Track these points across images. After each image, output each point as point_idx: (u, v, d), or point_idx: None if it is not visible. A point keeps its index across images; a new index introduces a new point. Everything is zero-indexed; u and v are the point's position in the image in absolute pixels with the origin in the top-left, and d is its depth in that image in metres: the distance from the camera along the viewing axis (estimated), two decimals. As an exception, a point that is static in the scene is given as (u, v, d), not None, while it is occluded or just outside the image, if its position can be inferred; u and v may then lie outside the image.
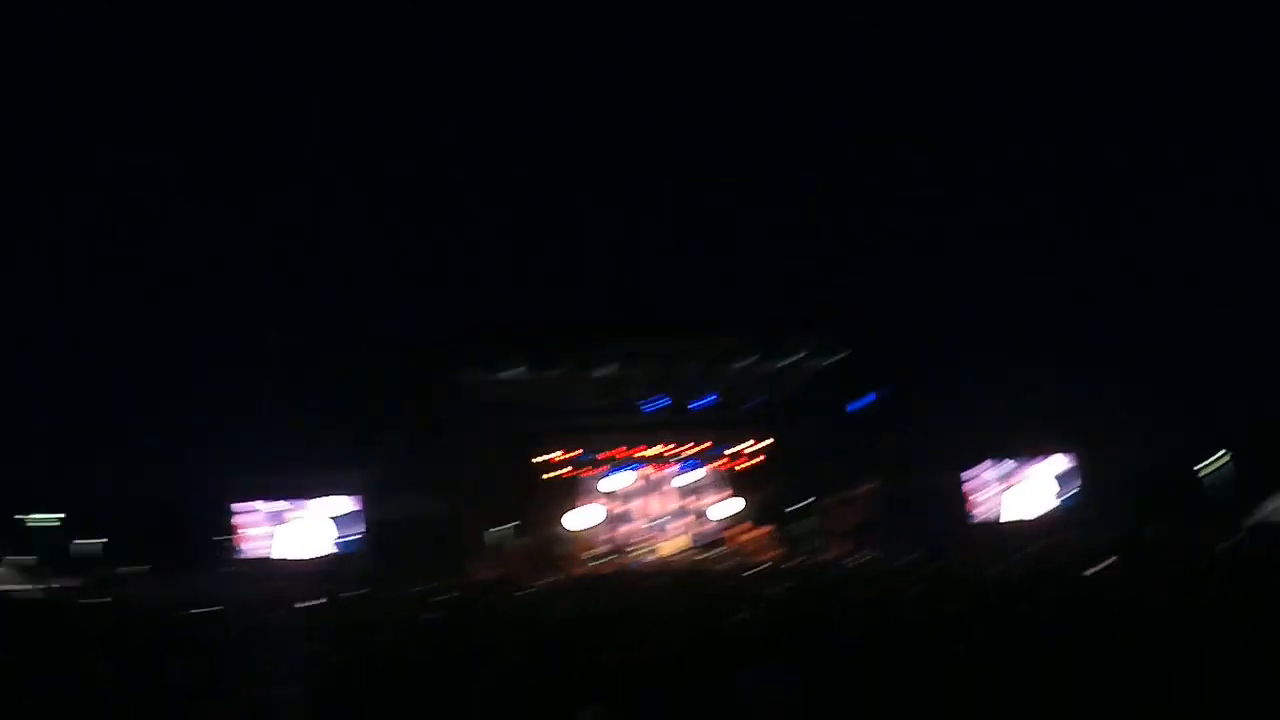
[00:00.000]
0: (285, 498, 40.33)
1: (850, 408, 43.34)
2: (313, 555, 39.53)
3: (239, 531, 40.23)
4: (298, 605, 18.38)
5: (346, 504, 40.01)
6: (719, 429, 49.13)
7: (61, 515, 55.15)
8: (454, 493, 38.60)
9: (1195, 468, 51.78)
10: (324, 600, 19.33)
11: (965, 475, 42.16)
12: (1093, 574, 13.50)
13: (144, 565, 42.79)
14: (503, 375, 41.87)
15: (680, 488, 50.21)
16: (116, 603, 25.62)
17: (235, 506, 40.30)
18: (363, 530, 39.41)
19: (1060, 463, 43.74)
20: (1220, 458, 50.49)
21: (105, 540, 61.26)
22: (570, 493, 48.09)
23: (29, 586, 33.90)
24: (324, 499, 40.24)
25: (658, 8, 77.21)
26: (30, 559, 49.51)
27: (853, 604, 10.59)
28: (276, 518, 40.36)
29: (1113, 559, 16.41)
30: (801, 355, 42.45)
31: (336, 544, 39.89)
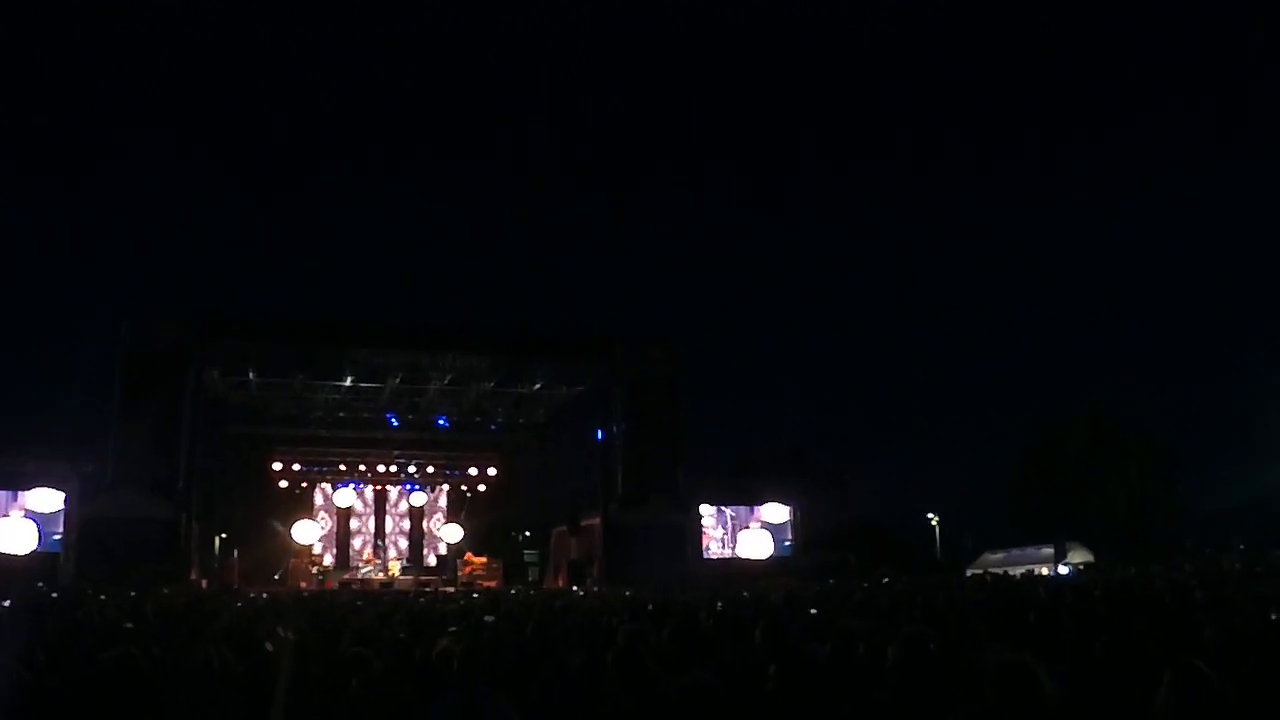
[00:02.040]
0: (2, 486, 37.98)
1: (596, 436, 43.55)
2: (15, 552, 37.38)
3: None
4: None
5: (57, 499, 37.90)
6: (453, 451, 49.00)
7: None
8: (176, 494, 37.19)
9: (929, 517, 54.47)
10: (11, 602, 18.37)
11: (696, 514, 42.81)
12: (803, 616, 13.86)
13: None
14: (244, 377, 40.69)
15: (410, 507, 49.93)
16: None
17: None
18: (70, 529, 37.34)
19: (785, 511, 44.84)
20: (935, 516, 53.21)
21: None
22: (299, 504, 47.26)
23: None
24: (34, 490, 38.07)
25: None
26: None
27: (570, 632, 10.65)
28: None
29: (819, 606, 16.99)
30: (542, 384, 42.51)
31: (43, 542, 37.72)
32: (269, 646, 9.49)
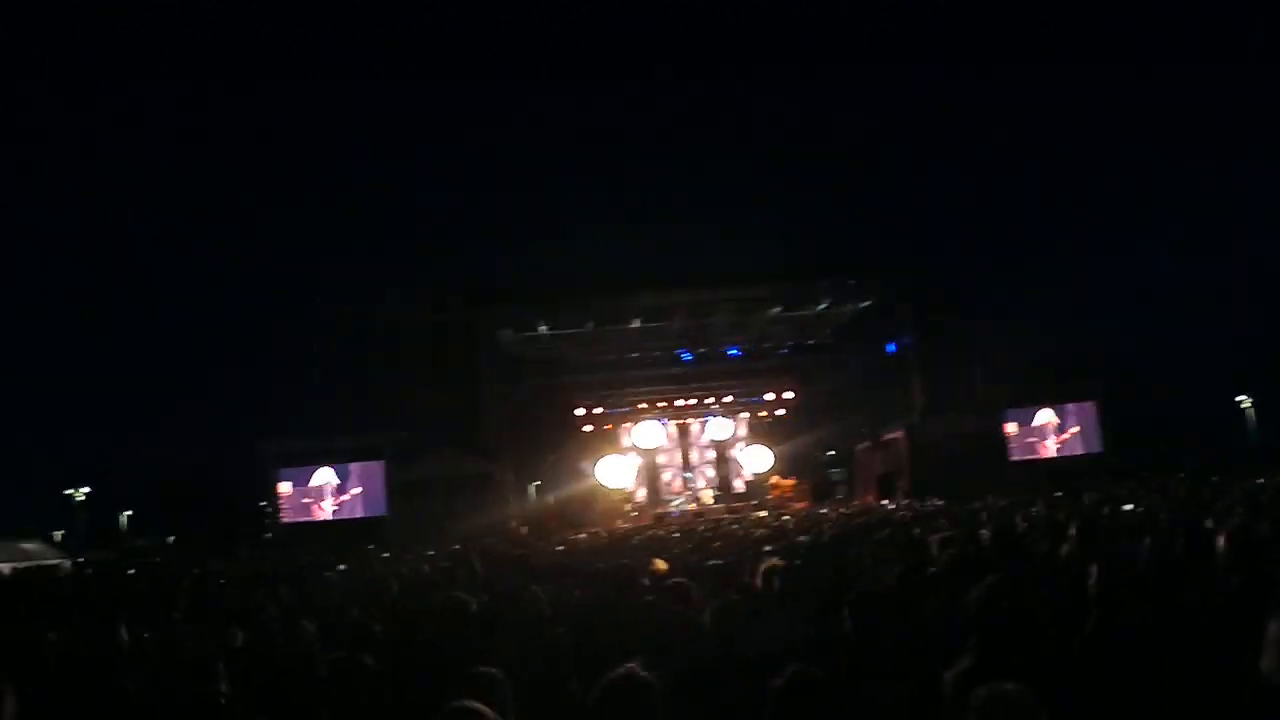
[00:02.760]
0: (327, 462, 40.48)
1: (887, 349, 43.25)
2: (349, 517, 39.77)
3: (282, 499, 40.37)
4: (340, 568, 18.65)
5: (377, 466, 40.12)
6: (748, 379, 49.31)
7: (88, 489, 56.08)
8: (487, 449, 38.81)
9: (1239, 401, 51.87)
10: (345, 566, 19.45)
11: (995, 420, 42.11)
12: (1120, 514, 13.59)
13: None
14: (534, 332, 41.91)
15: (711, 439, 50.52)
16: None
17: (282, 472, 40.49)
18: (394, 490, 39.49)
19: (1091, 409, 43.63)
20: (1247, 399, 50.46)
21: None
22: (602, 445, 48.45)
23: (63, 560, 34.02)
24: (357, 462, 40.40)
25: None
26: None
27: (884, 548, 10.73)
28: (314, 482, 40.48)
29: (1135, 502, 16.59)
30: (827, 304, 42.29)
31: (371, 506, 40.05)
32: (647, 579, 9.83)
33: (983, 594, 5.21)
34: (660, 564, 11.10)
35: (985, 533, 8.78)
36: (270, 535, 40.88)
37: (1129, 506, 15.75)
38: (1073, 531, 8.51)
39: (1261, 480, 16.93)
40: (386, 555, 24.07)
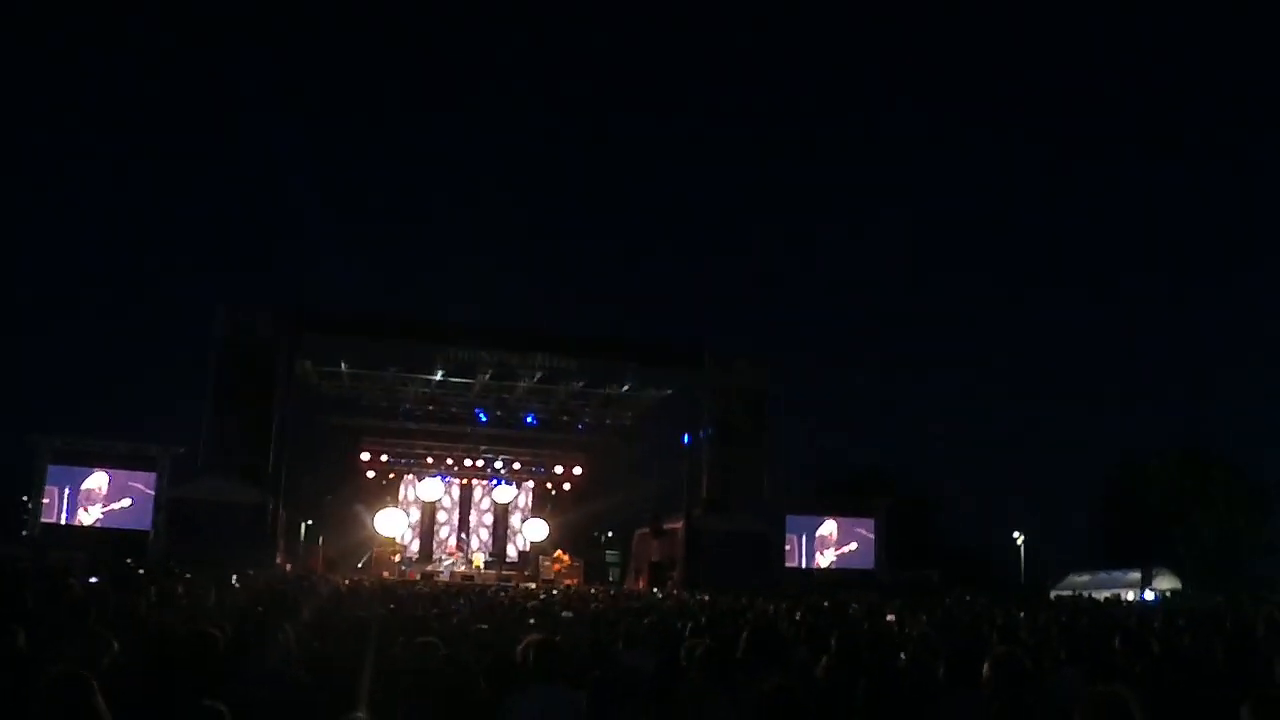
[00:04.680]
0: (101, 466, 39.02)
1: (682, 439, 43.53)
2: (114, 527, 38.32)
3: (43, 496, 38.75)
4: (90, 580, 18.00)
5: (151, 478, 38.86)
6: (539, 448, 49.26)
7: None
8: (266, 480, 37.77)
9: (1015, 537, 53.75)
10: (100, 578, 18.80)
11: (777, 523, 42.72)
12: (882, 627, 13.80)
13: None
14: (335, 368, 41.13)
15: (494, 502, 50.24)
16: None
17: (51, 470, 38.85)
18: (160, 508, 38.18)
19: (868, 527, 44.70)
20: (1018, 536, 52.55)
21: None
22: (383, 493, 47.76)
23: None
24: (131, 470, 39.06)
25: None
26: None
27: (647, 633, 10.68)
28: (78, 483, 38.99)
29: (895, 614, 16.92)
30: (630, 386, 42.54)
31: (138, 519, 38.69)
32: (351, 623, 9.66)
33: (766, 693, 5.18)
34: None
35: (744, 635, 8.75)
36: (26, 533, 39.04)
37: (890, 617, 16.06)
38: (833, 642, 8.53)
39: (1023, 614, 17.41)
40: (142, 571, 23.36)
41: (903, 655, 8.52)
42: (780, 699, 5.10)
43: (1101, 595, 36.47)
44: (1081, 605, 25.35)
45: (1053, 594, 42.46)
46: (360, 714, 4.48)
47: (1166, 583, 49.12)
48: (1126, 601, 36.97)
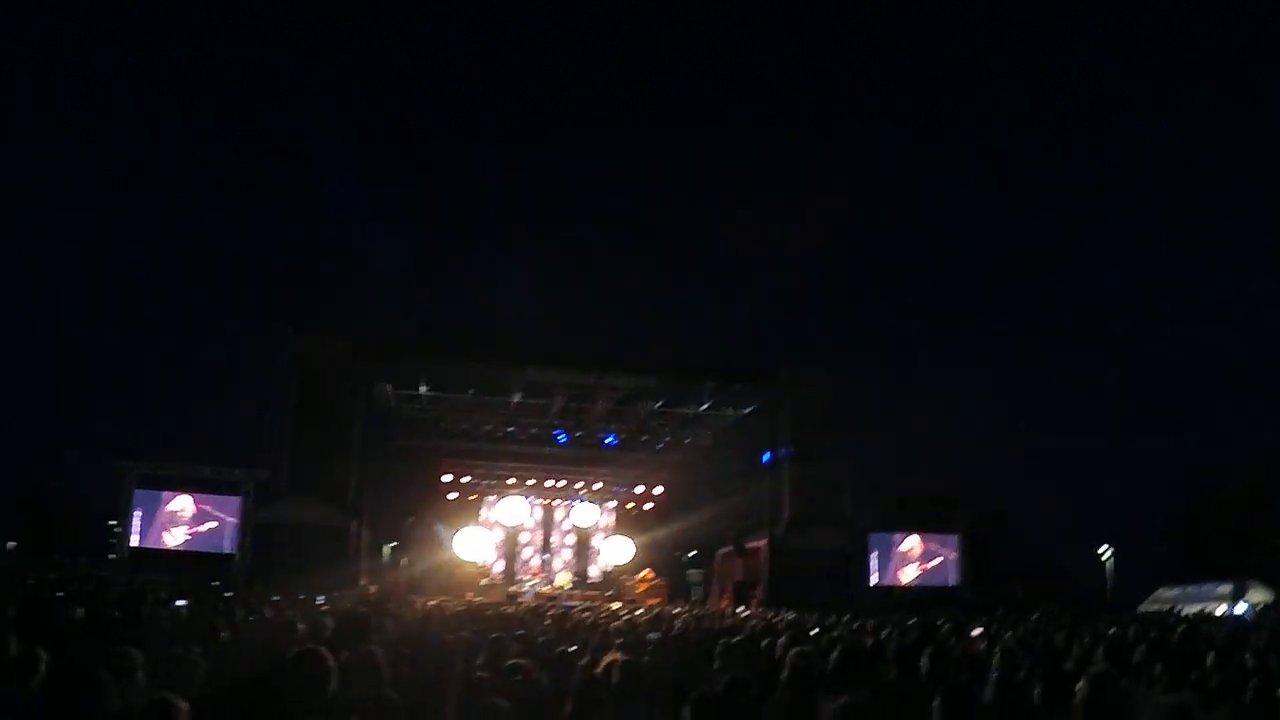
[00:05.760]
0: (186, 490, 39.61)
1: (763, 458, 43.30)
2: (199, 550, 38.85)
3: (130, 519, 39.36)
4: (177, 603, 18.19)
5: (234, 503, 39.37)
6: (620, 469, 49.20)
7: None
8: (348, 502, 38.06)
9: (1100, 552, 52.91)
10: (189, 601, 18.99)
11: (859, 540, 42.47)
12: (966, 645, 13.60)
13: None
14: (414, 391, 41.36)
15: (575, 524, 50.26)
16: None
17: (138, 495, 39.46)
18: (248, 529, 38.64)
19: (952, 542, 44.32)
20: (1105, 550, 51.70)
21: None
22: (464, 514, 47.93)
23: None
24: (215, 495, 39.64)
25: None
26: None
27: (734, 653, 10.58)
28: (165, 507, 39.54)
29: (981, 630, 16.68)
30: (709, 405, 42.39)
31: (222, 542, 39.21)
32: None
33: (838, 711, 5.07)
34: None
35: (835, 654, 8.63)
36: (115, 556, 39.69)
37: (977, 631, 15.83)
38: (925, 660, 8.39)
39: (1113, 630, 17.11)
40: (229, 594, 23.58)
41: (993, 674, 8.35)
42: (853, 716, 5.00)
43: (1191, 610, 35.77)
44: (1170, 622, 24.85)
45: (1140, 609, 41.68)
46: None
47: (1259, 595, 48.01)
48: (1216, 617, 36.20)
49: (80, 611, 12.96)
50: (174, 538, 39.23)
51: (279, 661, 6.95)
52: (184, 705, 5.20)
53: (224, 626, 11.52)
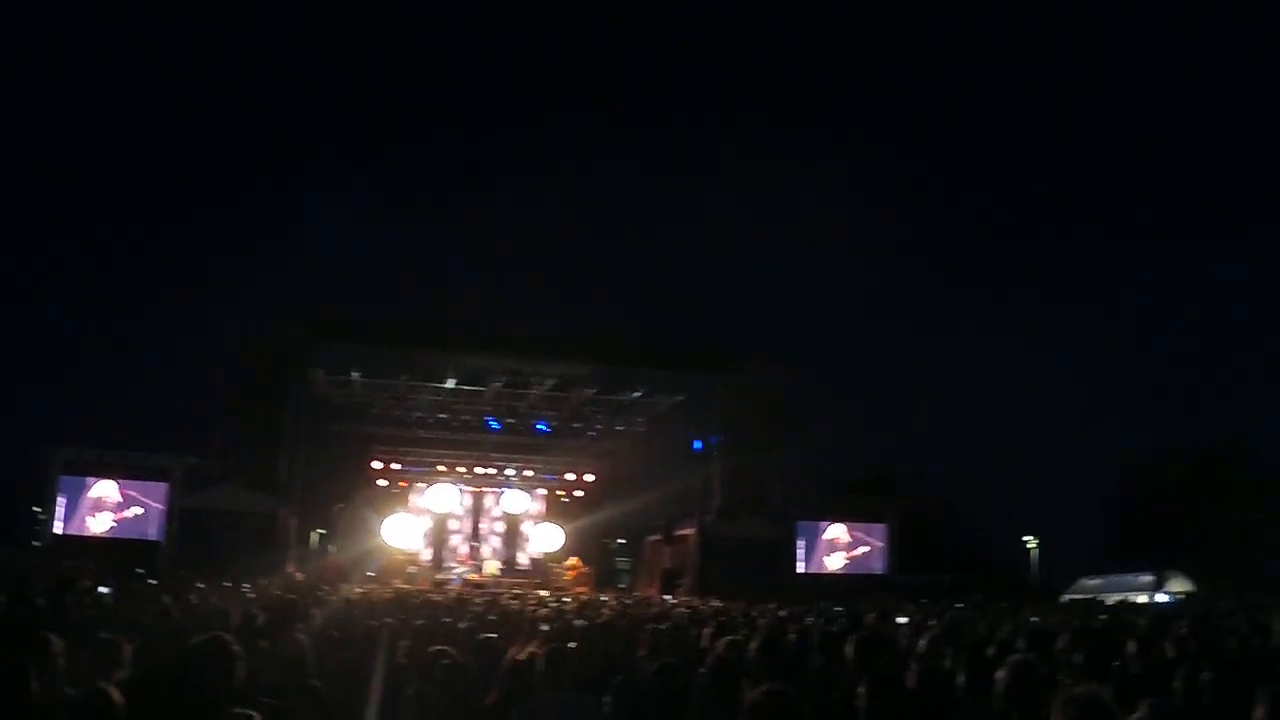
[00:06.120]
0: (108, 475, 39.22)
1: (694, 445, 43.45)
2: (125, 536, 38.52)
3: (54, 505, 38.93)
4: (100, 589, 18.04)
5: (162, 488, 39.03)
6: (551, 455, 49.18)
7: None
8: (277, 489, 37.79)
9: (1025, 541, 53.65)
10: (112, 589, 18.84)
11: (788, 529, 42.74)
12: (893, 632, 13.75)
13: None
14: (347, 376, 41.08)
15: (505, 511, 50.11)
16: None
17: (61, 480, 39.05)
18: (174, 516, 38.29)
19: (881, 531, 44.76)
20: (1030, 540, 52.44)
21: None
22: (394, 502, 47.69)
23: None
24: (141, 481, 39.28)
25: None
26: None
27: (660, 640, 10.65)
28: (89, 493, 39.13)
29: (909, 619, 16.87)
30: (642, 393, 42.43)
31: (148, 528, 38.87)
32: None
33: (756, 700, 5.10)
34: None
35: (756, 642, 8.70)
36: (39, 543, 39.20)
37: (903, 621, 16.01)
38: (849, 648, 8.48)
39: (1036, 619, 17.39)
40: (154, 582, 23.40)
41: (913, 665, 8.47)
42: (770, 705, 5.04)
43: (1112, 599, 36.39)
44: (1094, 609, 25.26)
45: (1064, 598, 42.32)
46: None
47: (1179, 585, 48.89)
48: (1138, 604, 36.83)
49: (2, 599, 12.80)
50: (99, 524, 38.90)
51: (184, 651, 6.94)
52: (119, 698, 5.18)
53: (149, 614, 11.41)
